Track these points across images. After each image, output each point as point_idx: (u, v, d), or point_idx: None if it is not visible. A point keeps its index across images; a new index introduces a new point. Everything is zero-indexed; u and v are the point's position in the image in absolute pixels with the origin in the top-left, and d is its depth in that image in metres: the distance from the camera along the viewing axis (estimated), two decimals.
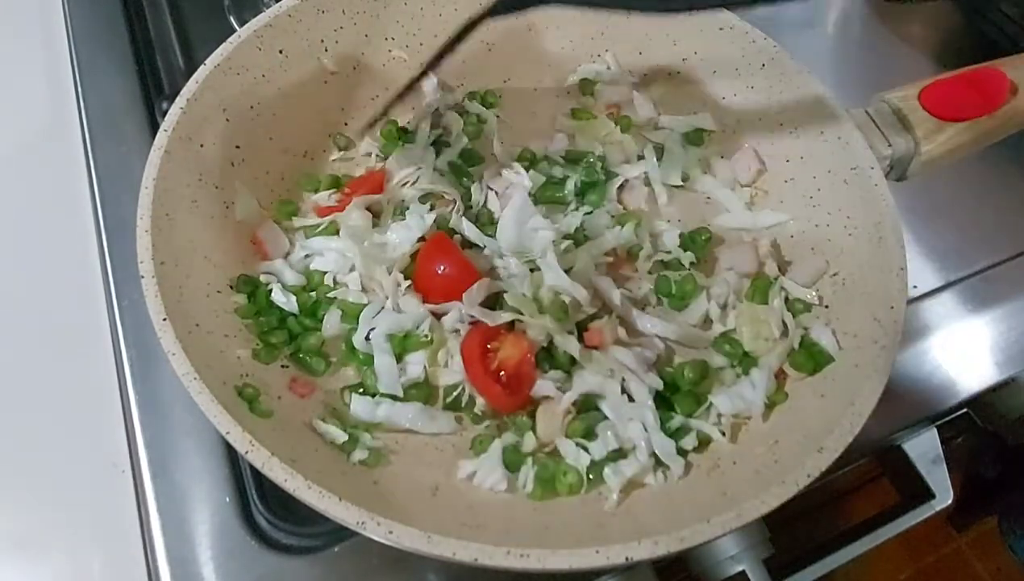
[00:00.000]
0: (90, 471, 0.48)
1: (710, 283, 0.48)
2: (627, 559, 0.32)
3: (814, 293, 0.46)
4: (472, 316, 0.44)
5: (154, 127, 0.59)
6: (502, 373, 0.43)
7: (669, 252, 0.50)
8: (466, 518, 0.38)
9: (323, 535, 0.44)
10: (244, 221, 0.48)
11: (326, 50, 0.52)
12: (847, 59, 0.72)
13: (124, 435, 0.47)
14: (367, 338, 0.44)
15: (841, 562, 0.57)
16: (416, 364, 0.44)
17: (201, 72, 0.46)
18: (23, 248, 0.57)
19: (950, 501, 0.57)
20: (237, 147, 0.48)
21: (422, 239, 0.47)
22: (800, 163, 0.50)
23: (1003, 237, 0.58)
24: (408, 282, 0.46)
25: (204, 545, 0.43)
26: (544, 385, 0.43)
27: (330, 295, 0.46)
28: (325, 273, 0.47)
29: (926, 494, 0.57)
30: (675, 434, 0.42)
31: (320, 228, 0.48)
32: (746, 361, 0.45)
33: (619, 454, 0.41)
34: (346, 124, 0.54)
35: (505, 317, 0.44)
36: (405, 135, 0.53)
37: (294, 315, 0.45)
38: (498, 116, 0.56)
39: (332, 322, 0.45)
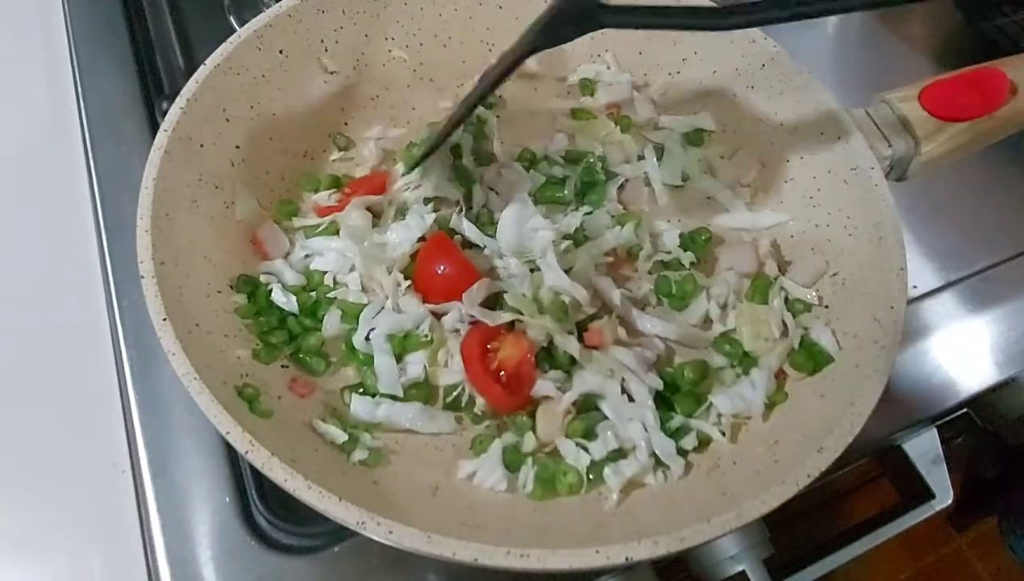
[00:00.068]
0: (90, 471, 0.48)
1: (710, 283, 0.48)
2: (627, 559, 0.32)
3: (814, 293, 0.46)
4: (472, 316, 0.44)
5: (154, 127, 0.59)
6: (502, 373, 0.43)
7: (669, 252, 0.50)
8: (466, 518, 0.38)
9: (323, 535, 0.44)
10: (244, 221, 0.48)
11: (326, 50, 0.52)
12: (847, 59, 0.72)
13: (124, 435, 0.47)
14: (367, 338, 0.44)
15: (841, 562, 0.57)
16: (416, 364, 0.44)
17: (201, 72, 0.46)
18: (23, 248, 0.57)
19: (950, 501, 0.57)
20: (237, 147, 0.48)
21: (422, 239, 0.47)
22: (800, 163, 0.50)
23: (1003, 237, 0.58)
24: (408, 282, 0.46)
25: (204, 545, 0.43)
26: (544, 385, 0.43)
27: (330, 295, 0.46)
28: (325, 273, 0.47)
29: (926, 494, 0.57)
30: (675, 434, 0.42)
31: (320, 228, 0.48)
32: (746, 361, 0.45)
33: (619, 454, 0.41)
34: (346, 124, 0.54)
35: (505, 317, 0.44)
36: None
37: (294, 315, 0.45)
38: (498, 116, 0.56)
39: (332, 322, 0.45)
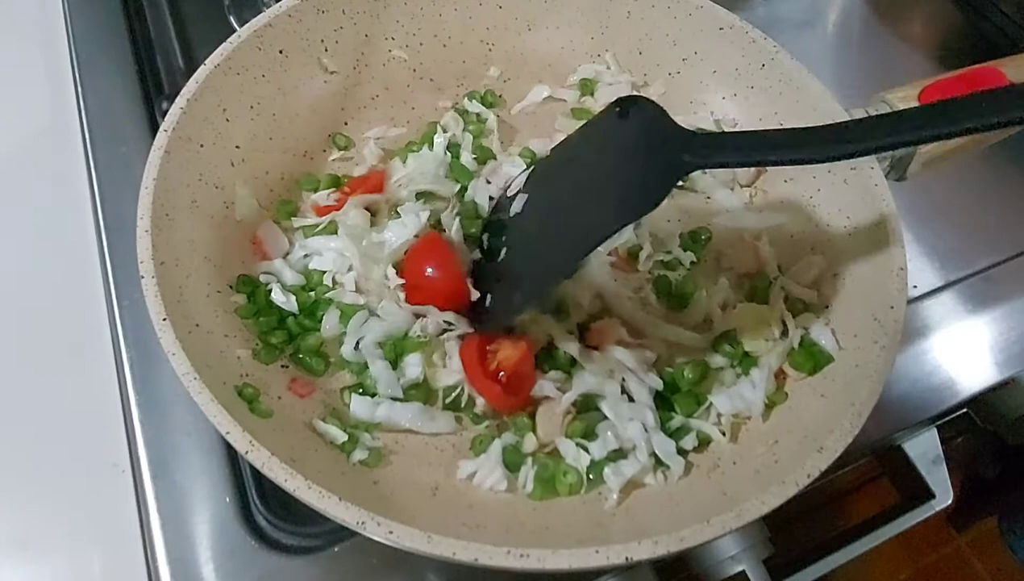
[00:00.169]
0: (90, 471, 0.48)
1: (710, 283, 0.48)
2: (627, 559, 0.32)
3: (814, 293, 0.46)
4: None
5: (154, 127, 0.59)
6: (502, 374, 0.43)
7: (669, 252, 0.50)
8: (466, 518, 0.38)
9: (323, 535, 0.44)
10: (244, 221, 0.48)
11: (326, 50, 0.52)
12: (847, 59, 0.72)
13: (124, 435, 0.47)
14: (356, 347, 0.44)
15: (841, 562, 0.57)
16: (414, 366, 0.44)
17: (201, 72, 0.46)
18: (23, 248, 0.57)
19: (950, 501, 0.58)
20: (237, 147, 0.48)
21: (418, 237, 0.47)
22: None
23: (1003, 237, 0.58)
24: (401, 281, 0.45)
25: (204, 545, 0.43)
26: (544, 385, 0.43)
27: (328, 296, 0.46)
28: (324, 273, 0.47)
29: (926, 494, 0.57)
30: (675, 434, 0.42)
31: (319, 228, 0.48)
32: (746, 361, 0.45)
33: (619, 454, 0.41)
34: (346, 124, 0.54)
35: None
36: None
37: (294, 315, 0.45)
38: (498, 116, 0.56)
39: (331, 322, 0.45)
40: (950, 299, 0.56)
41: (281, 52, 0.50)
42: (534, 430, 0.42)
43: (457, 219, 0.48)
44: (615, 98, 0.42)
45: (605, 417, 0.43)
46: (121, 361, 0.49)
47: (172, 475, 0.45)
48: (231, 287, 0.45)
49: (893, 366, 0.39)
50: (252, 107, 0.49)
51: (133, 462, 0.46)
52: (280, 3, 0.50)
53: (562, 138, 0.55)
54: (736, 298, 0.48)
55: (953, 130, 0.33)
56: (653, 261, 0.49)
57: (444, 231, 0.48)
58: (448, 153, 0.53)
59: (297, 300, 0.45)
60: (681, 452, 0.41)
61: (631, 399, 0.43)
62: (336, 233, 0.47)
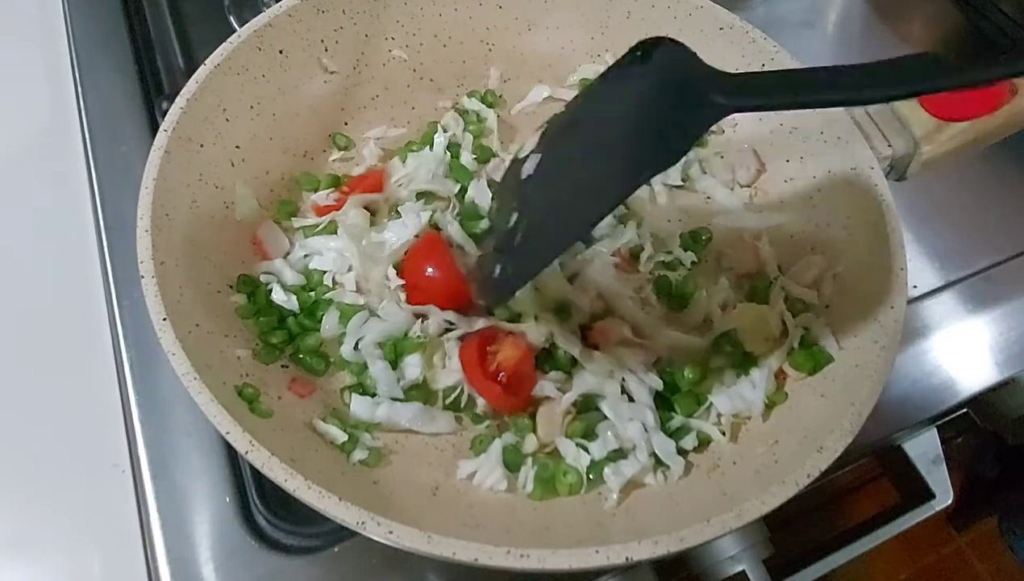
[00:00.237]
0: (90, 471, 0.48)
1: (710, 283, 0.48)
2: (627, 559, 0.32)
3: (814, 293, 0.46)
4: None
5: (154, 127, 0.59)
6: (502, 374, 0.43)
7: (669, 252, 0.50)
8: (466, 518, 0.38)
9: (323, 535, 0.44)
10: (244, 221, 0.48)
11: (326, 50, 0.52)
12: (847, 59, 0.72)
13: (124, 435, 0.47)
14: (356, 347, 0.44)
15: (841, 562, 0.57)
16: (414, 367, 0.44)
17: (201, 72, 0.46)
18: (23, 248, 0.57)
19: (950, 501, 0.58)
20: (237, 147, 0.48)
21: (418, 237, 0.47)
22: (800, 163, 0.50)
23: (1003, 237, 0.58)
24: (401, 281, 0.46)
25: (204, 545, 0.43)
26: (544, 385, 0.43)
27: (327, 296, 0.46)
28: (324, 273, 0.47)
29: (926, 494, 0.57)
30: (675, 434, 0.42)
31: (319, 228, 0.48)
32: (746, 361, 0.45)
33: (619, 454, 0.41)
34: (346, 124, 0.54)
35: (480, 323, 0.44)
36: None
37: (294, 315, 0.45)
38: (498, 116, 0.56)
39: (331, 323, 0.45)
40: (950, 299, 0.56)
41: (281, 52, 0.50)
42: (534, 430, 0.42)
43: (455, 223, 0.48)
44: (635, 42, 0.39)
45: (605, 417, 0.43)
46: (121, 361, 0.49)
47: (172, 475, 0.45)
48: (231, 287, 0.45)
49: (893, 366, 0.39)
50: (252, 107, 0.49)
51: (133, 462, 0.46)
52: (280, 3, 0.50)
53: None
54: (736, 298, 0.48)
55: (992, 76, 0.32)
56: (653, 261, 0.49)
57: (442, 231, 0.48)
58: (448, 153, 0.53)
59: (297, 300, 0.45)
60: (681, 452, 0.41)
61: (631, 399, 0.43)
62: (336, 233, 0.48)
